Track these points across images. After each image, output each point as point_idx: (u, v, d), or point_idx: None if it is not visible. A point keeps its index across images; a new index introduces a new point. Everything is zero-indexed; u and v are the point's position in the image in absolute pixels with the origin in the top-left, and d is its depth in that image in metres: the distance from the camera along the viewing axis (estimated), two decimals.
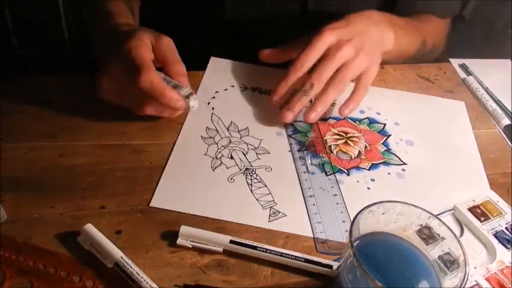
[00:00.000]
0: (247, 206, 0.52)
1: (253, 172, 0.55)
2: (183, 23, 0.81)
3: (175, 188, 0.52)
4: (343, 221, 0.51)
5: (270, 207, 0.52)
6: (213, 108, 0.63)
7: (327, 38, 0.60)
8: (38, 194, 0.50)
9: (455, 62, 0.78)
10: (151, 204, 0.50)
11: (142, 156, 0.55)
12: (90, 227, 0.46)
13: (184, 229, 0.47)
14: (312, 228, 0.50)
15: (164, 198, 0.51)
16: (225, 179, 0.54)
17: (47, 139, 0.56)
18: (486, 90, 0.72)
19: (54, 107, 0.60)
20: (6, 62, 0.95)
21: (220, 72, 0.68)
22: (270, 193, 0.53)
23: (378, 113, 0.66)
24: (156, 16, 0.81)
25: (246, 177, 0.55)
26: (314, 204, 0.52)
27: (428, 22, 0.75)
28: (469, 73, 0.76)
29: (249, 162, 0.56)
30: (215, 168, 0.55)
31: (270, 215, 0.51)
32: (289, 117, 0.60)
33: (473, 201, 0.54)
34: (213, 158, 0.56)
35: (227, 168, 0.55)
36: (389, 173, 0.58)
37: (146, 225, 0.48)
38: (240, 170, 0.55)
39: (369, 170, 0.58)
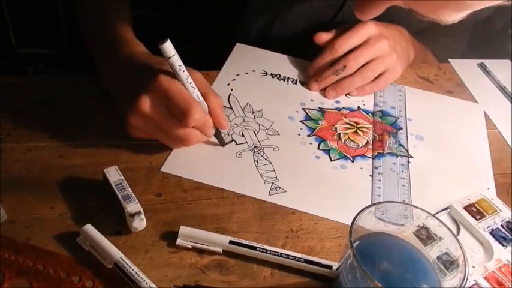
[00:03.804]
0: (250, 179, 0.54)
1: (261, 150, 0.58)
2: (183, 24, 0.81)
3: (185, 157, 0.56)
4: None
5: (272, 182, 0.55)
6: (232, 89, 0.66)
7: (370, 28, 0.65)
8: (37, 195, 0.50)
9: (454, 63, 0.78)
10: (161, 170, 0.54)
11: (141, 157, 0.55)
12: (89, 228, 0.46)
13: (183, 229, 0.47)
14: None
15: (174, 165, 0.55)
16: (233, 154, 0.57)
17: (46, 139, 0.56)
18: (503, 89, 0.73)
19: (54, 107, 0.60)
20: (6, 62, 0.94)
21: (243, 57, 0.72)
22: (274, 170, 0.56)
23: (392, 107, 0.68)
24: (153, 16, 0.81)
25: (254, 154, 0.58)
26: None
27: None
28: (487, 72, 0.76)
29: (259, 141, 0.59)
30: (225, 143, 0.58)
31: (270, 190, 0.54)
32: (314, 87, 0.67)
33: (469, 199, 0.54)
34: (225, 134, 0.59)
35: (236, 144, 0.59)
36: (394, 163, 0.59)
37: (146, 225, 0.48)
38: (249, 147, 0.58)
39: (373, 158, 0.59)
